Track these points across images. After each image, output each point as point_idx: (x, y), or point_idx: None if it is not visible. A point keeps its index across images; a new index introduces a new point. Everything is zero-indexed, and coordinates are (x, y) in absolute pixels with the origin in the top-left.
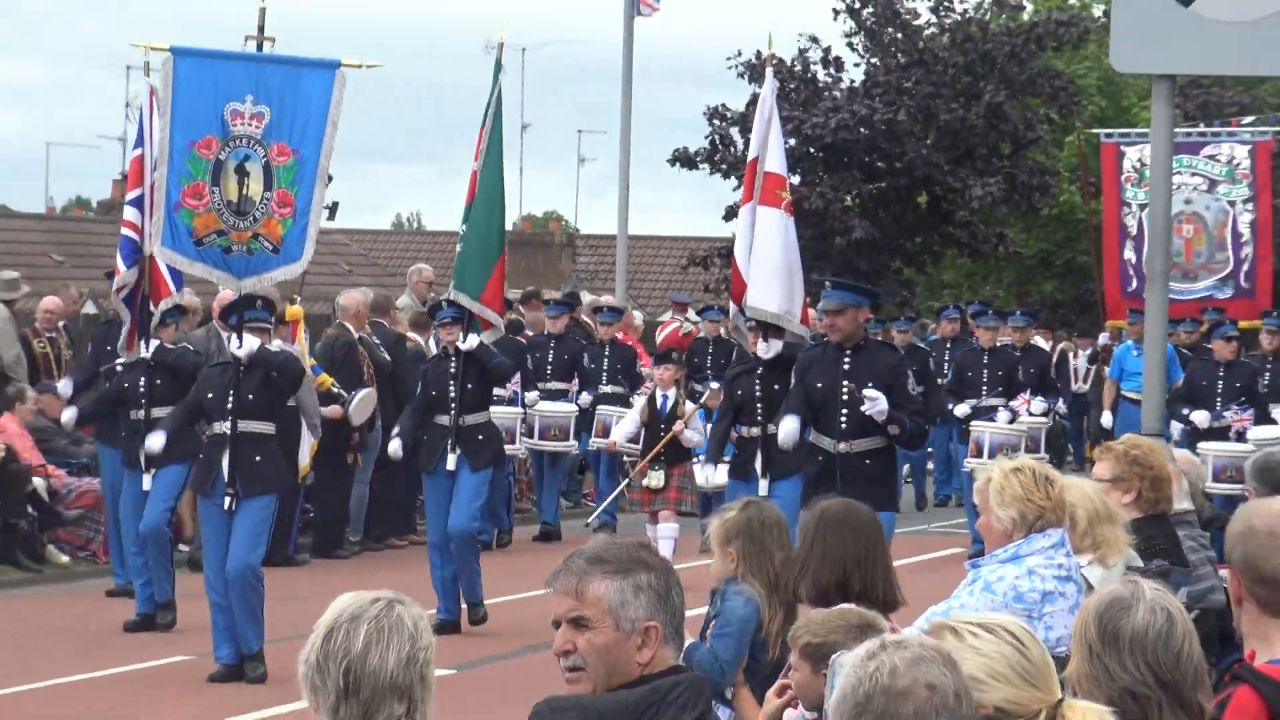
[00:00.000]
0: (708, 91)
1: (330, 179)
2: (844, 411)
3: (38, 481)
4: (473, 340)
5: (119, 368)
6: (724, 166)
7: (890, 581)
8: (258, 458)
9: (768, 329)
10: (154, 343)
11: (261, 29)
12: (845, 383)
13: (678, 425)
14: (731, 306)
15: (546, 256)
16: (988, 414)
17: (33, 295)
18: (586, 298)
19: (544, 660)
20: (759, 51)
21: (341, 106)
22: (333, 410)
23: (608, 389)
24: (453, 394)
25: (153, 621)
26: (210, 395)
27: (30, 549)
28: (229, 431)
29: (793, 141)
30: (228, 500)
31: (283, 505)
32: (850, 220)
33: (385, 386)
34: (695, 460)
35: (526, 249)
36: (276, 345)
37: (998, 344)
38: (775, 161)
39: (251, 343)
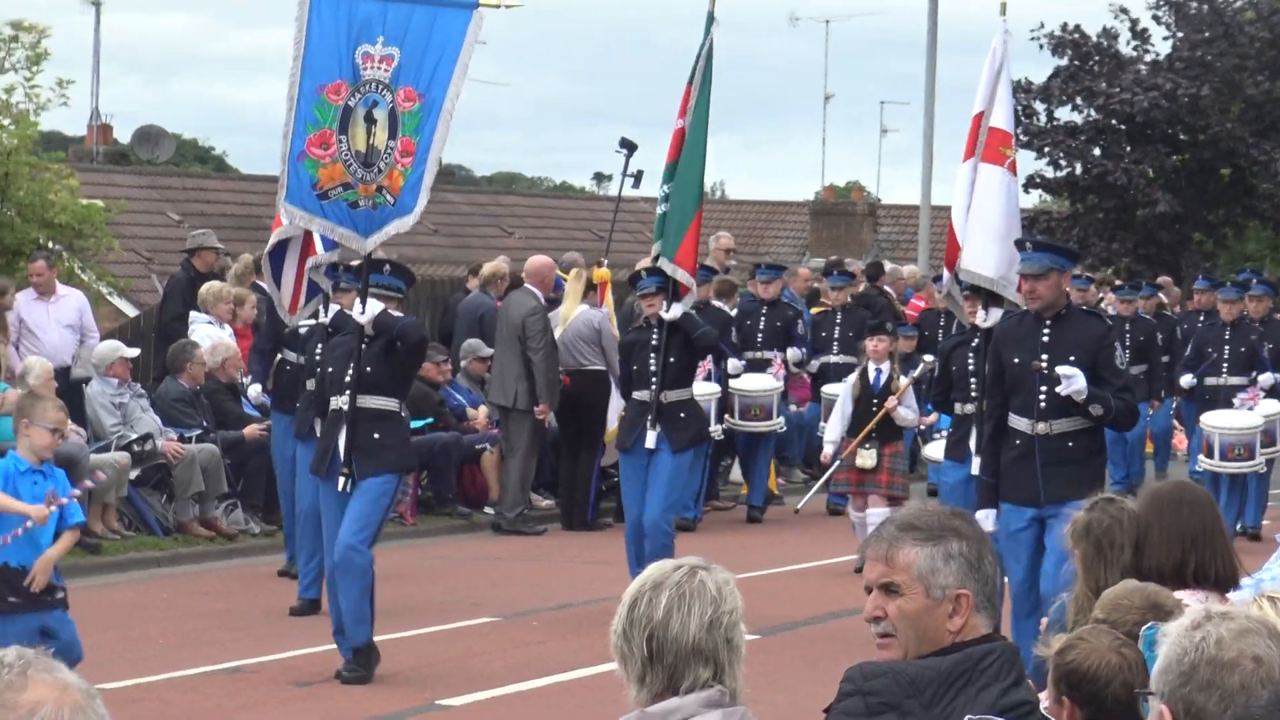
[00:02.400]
0: (1011, 62)
1: (635, 147)
2: (1043, 389)
3: None
4: (676, 310)
5: (301, 331)
6: (1025, 139)
7: (1228, 559)
8: (377, 435)
9: (988, 297)
10: (334, 308)
11: None
12: (1043, 356)
13: (891, 401)
14: (945, 274)
15: (849, 226)
16: (1225, 395)
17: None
18: (889, 267)
19: (848, 626)
20: (1064, 24)
21: (473, 49)
22: None
23: (837, 358)
24: (653, 368)
25: (317, 608)
26: (330, 368)
27: None
28: (347, 407)
29: (1095, 115)
30: (342, 481)
31: (583, 470)
32: (1153, 193)
33: None
34: (936, 435)
35: (829, 218)
36: (551, 310)
37: (1240, 317)
38: (1002, 117)
39: (374, 307)
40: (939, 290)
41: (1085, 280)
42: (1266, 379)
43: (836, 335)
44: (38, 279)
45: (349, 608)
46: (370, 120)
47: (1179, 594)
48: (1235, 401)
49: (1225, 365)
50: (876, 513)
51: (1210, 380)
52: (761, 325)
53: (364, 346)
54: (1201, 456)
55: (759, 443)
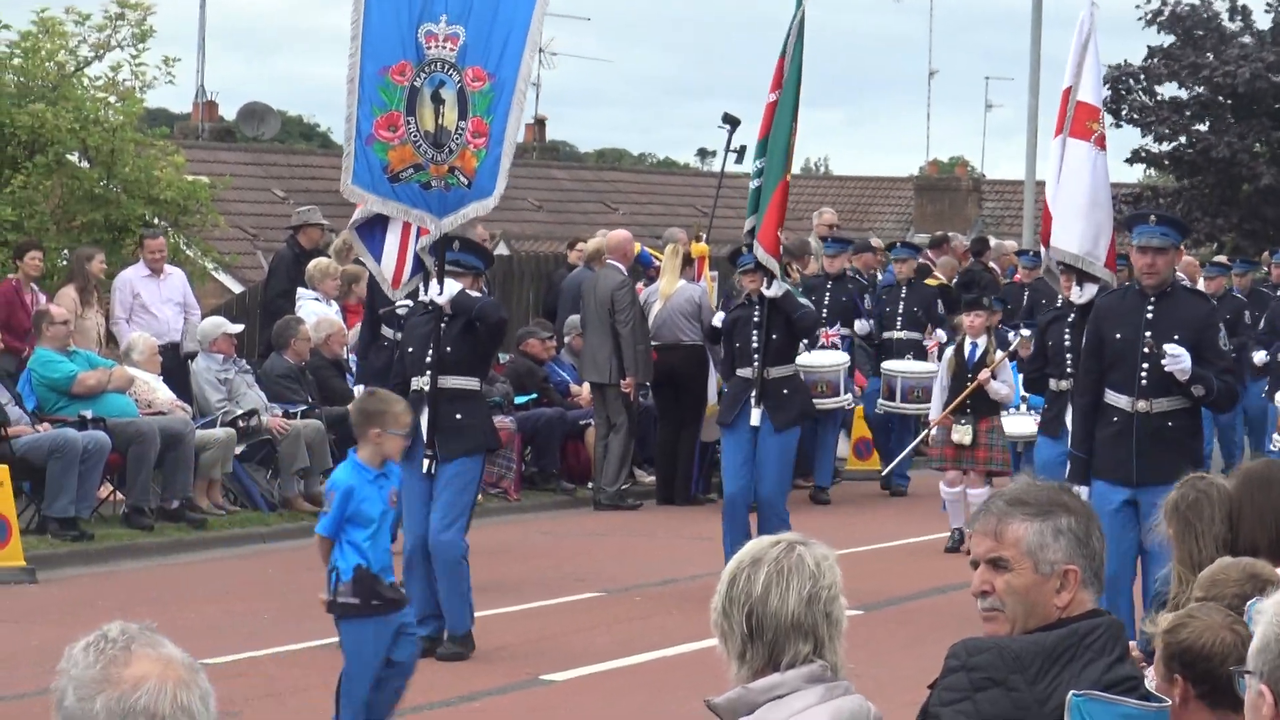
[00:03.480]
0: (1116, 38)
1: (738, 123)
2: (1144, 366)
3: None
4: (778, 287)
5: (399, 311)
6: (1129, 114)
7: None
8: (459, 415)
9: (1083, 273)
10: (434, 287)
11: None
12: (1146, 334)
13: (984, 374)
14: (1043, 250)
15: (953, 201)
16: None
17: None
18: (993, 242)
19: (952, 601)
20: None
21: (542, 25)
22: None
23: (901, 334)
24: (756, 344)
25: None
26: (410, 349)
27: None
28: (428, 388)
29: (1201, 90)
30: (426, 463)
31: (684, 445)
32: (1258, 167)
33: None
34: (1006, 413)
35: (933, 194)
36: (690, 283)
37: None
38: (1089, 91)
39: (452, 287)
40: (1024, 264)
41: None
42: None
43: (900, 310)
44: (159, 255)
45: (449, 601)
46: (438, 100)
47: None
48: None
49: None
50: (976, 493)
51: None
52: (826, 300)
53: (443, 326)
54: (1277, 435)
55: (826, 421)
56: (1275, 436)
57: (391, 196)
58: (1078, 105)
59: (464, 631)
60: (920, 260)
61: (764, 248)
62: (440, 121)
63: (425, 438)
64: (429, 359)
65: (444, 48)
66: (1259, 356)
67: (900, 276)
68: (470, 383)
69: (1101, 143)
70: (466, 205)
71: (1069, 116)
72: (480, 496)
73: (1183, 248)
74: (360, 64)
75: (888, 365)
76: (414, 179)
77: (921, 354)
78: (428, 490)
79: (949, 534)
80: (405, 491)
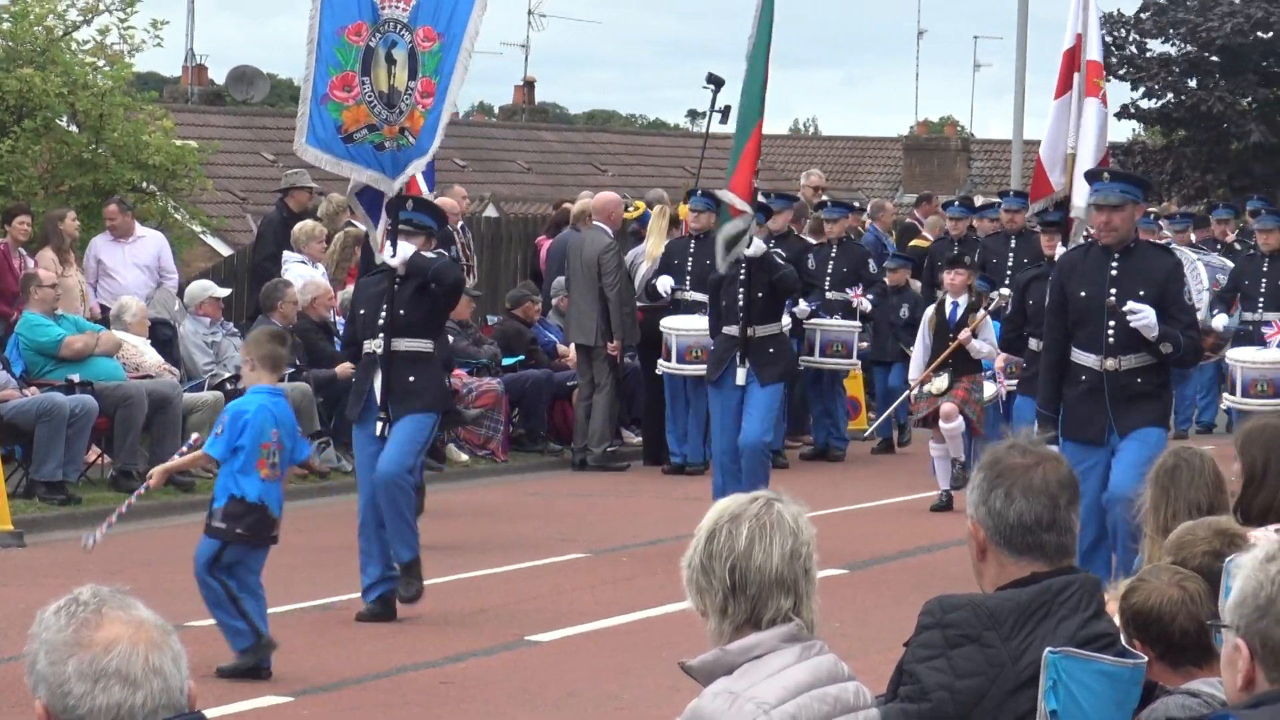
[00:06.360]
0: None
1: (722, 82)
2: (1110, 324)
3: None
4: (759, 245)
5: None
6: (1119, 69)
7: None
8: (412, 378)
9: (1067, 231)
10: (408, 249)
11: None
12: (1111, 290)
13: (964, 334)
14: (1031, 206)
15: (942, 161)
16: (1261, 333)
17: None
18: (979, 201)
19: (936, 560)
20: None
21: None
22: None
23: (830, 294)
24: (741, 303)
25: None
26: (362, 311)
27: (432, 447)
28: (380, 351)
29: (1190, 47)
30: (380, 426)
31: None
32: (1247, 124)
33: None
34: (986, 374)
35: (921, 154)
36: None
37: None
38: (1095, 48)
39: (406, 249)
40: (951, 215)
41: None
42: None
43: (830, 270)
44: (111, 223)
45: (394, 528)
46: (390, 60)
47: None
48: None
49: (1261, 299)
50: (950, 426)
51: (1247, 315)
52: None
53: (395, 288)
54: (1226, 396)
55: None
56: (1226, 395)
57: (345, 156)
58: (1089, 64)
59: (409, 559)
60: (908, 220)
61: (737, 195)
62: (392, 82)
63: (379, 401)
64: (381, 321)
65: (398, 7)
66: (1218, 322)
67: (829, 235)
68: (424, 345)
69: (1105, 99)
70: (411, 163)
71: (1081, 76)
72: (468, 458)
73: (1141, 205)
74: (319, 24)
75: (809, 322)
76: (368, 139)
77: (850, 315)
78: (379, 454)
79: (937, 494)
80: (358, 454)
